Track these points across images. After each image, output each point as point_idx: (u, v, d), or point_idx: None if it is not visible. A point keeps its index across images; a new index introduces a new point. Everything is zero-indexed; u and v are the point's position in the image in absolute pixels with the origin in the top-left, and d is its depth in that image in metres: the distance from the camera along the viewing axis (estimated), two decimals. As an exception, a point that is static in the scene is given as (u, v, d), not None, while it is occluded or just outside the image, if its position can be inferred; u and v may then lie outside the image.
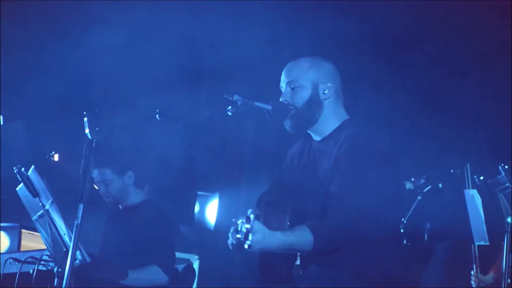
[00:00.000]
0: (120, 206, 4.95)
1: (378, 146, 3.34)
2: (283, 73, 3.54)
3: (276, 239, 3.12)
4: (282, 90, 3.52)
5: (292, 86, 3.48)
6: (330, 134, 3.47)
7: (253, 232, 2.99)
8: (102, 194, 4.88)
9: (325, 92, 3.47)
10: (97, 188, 4.87)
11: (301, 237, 3.18)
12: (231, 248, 3.26)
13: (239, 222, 3.04)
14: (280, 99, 3.49)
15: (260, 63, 5.80)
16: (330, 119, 3.49)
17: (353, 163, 3.29)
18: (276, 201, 3.37)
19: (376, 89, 5.98)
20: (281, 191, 3.49)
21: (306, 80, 3.47)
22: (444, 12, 5.66)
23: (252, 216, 2.98)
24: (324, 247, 3.23)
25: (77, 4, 5.65)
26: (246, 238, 2.98)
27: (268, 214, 3.29)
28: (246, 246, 2.99)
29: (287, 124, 3.48)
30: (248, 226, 2.98)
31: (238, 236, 3.01)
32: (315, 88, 3.47)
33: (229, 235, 3.25)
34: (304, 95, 3.46)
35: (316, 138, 3.52)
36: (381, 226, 3.28)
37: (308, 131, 3.54)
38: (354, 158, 3.30)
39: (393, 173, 3.38)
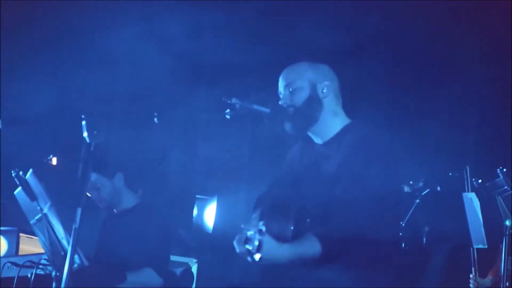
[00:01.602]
0: (114, 210, 4.94)
1: (382, 152, 3.35)
2: (280, 78, 3.55)
3: (285, 251, 3.12)
4: (281, 96, 3.52)
5: (290, 89, 3.48)
6: (333, 138, 3.47)
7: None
8: (95, 200, 4.86)
9: (324, 91, 3.48)
10: (89, 195, 4.83)
11: (309, 247, 3.18)
12: (240, 256, 3.22)
13: (249, 233, 3.03)
14: (280, 102, 3.50)
15: (259, 66, 5.81)
16: (331, 120, 3.49)
17: (358, 169, 3.28)
18: (279, 205, 3.35)
19: (374, 92, 5.98)
20: (283, 194, 3.48)
21: (304, 81, 3.47)
22: (444, 13, 5.66)
23: (263, 228, 2.97)
24: (331, 254, 3.23)
25: (74, 7, 5.65)
26: (258, 250, 2.96)
27: (271, 218, 3.28)
28: (257, 258, 2.98)
29: (288, 126, 3.48)
30: (261, 238, 2.96)
31: (249, 247, 3.00)
32: (313, 87, 3.47)
33: (235, 243, 3.22)
34: (303, 95, 3.47)
35: (318, 141, 3.52)
36: (384, 231, 3.29)
37: (309, 134, 3.53)
38: (359, 164, 3.29)
39: (396, 178, 3.39)
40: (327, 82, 3.48)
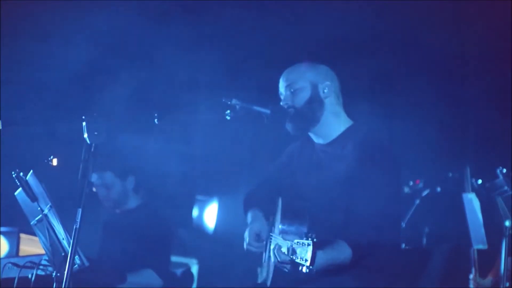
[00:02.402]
0: (117, 210, 4.96)
1: (391, 155, 3.40)
2: (281, 80, 3.55)
3: (320, 258, 3.09)
4: (282, 96, 3.53)
5: (291, 89, 3.49)
6: (336, 139, 3.48)
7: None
8: (101, 198, 4.89)
9: (325, 91, 3.49)
10: (95, 190, 4.86)
11: (341, 252, 3.20)
12: (283, 268, 3.17)
13: (296, 242, 3.00)
14: (281, 103, 3.50)
15: (259, 66, 5.81)
16: (333, 120, 3.50)
17: (373, 174, 3.30)
18: (289, 207, 3.35)
19: (374, 92, 5.99)
20: (293, 196, 3.47)
21: (304, 82, 3.48)
22: (445, 11, 5.66)
23: (315, 240, 2.95)
24: (360, 257, 3.25)
25: (74, 8, 5.65)
26: (312, 262, 2.92)
27: (286, 220, 3.27)
28: (306, 270, 2.95)
29: (289, 126, 3.49)
30: (315, 250, 2.93)
31: (297, 259, 2.96)
32: (314, 88, 3.48)
33: (275, 252, 3.15)
34: (304, 95, 3.47)
35: (319, 141, 3.52)
36: (395, 232, 3.35)
37: (310, 134, 3.54)
38: (373, 170, 3.31)
39: (399, 179, 3.43)
40: (328, 82, 3.49)
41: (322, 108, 3.47)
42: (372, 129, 3.48)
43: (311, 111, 3.46)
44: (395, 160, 3.39)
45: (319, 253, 3.08)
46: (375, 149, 3.36)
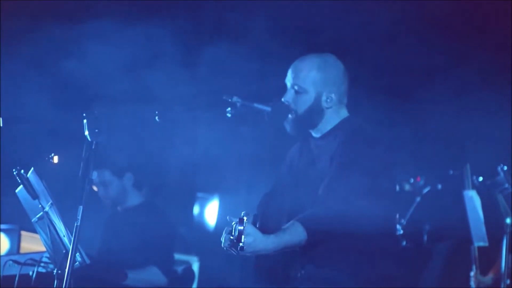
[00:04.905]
0: (119, 208, 4.96)
1: (373, 144, 3.35)
2: (290, 70, 3.53)
3: (270, 242, 3.10)
4: (287, 85, 3.53)
5: (296, 89, 3.48)
6: (329, 131, 3.49)
7: (245, 235, 2.98)
8: (101, 196, 4.89)
9: (328, 101, 3.48)
10: (96, 189, 4.88)
11: (294, 234, 3.16)
12: (224, 248, 3.23)
13: (233, 223, 3.04)
14: (283, 99, 3.50)
15: (260, 64, 5.81)
16: (331, 120, 3.51)
17: (347, 159, 3.30)
18: (274, 202, 3.36)
19: (375, 89, 5.99)
20: (279, 192, 3.49)
21: (310, 86, 3.47)
22: (444, 10, 5.66)
23: (245, 218, 2.98)
24: (317, 239, 3.22)
25: (75, 5, 5.66)
26: (239, 240, 2.97)
27: (266, 215, 3.29)
28: (238, 248, 2.98)
29: (287, 127, 3.50)
30: (241, 228, 2.97)
31: (231, 237, 3.01)
32: (318, 96, 3.47)
33: (223, 234, 3.23)
34: (306, 101, 3.47)
35: (316, 134, 3.54)
36: (372, 223, 3.28)
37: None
38: (348, 154, 3.31)
39: (387, 172, 3.38)
40: (333, 95, 3.48)
41: (321, 117, 3.49)
42: (364, 120, 3.48)
43: (309, 119, 3.48)
44: (382, 151, 3.36)
45: (271, 237, 3.08)
46: (359, 137, 3.36)
